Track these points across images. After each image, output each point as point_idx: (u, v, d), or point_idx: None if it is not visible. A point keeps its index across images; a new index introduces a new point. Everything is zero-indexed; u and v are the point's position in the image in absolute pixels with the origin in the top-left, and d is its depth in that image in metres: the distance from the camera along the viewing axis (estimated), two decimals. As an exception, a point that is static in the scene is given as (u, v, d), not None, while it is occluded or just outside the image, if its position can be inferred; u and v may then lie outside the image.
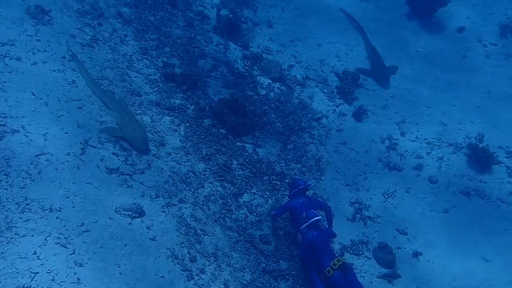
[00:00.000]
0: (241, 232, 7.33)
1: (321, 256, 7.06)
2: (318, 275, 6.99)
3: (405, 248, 8.12)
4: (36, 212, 5.73)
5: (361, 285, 6.88)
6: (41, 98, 7.08)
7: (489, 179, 9.47)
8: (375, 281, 7.59)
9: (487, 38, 12.77)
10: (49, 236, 5.59)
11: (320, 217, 7.25)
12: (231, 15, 11.11)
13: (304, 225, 7.18)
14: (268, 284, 6.82)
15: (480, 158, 9.58)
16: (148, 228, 6.38)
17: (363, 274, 7.63)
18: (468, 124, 10.54)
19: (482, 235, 8.48)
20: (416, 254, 8.04)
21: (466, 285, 7.65)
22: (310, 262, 7.13)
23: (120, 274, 5.70)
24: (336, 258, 7.00)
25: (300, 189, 7.73)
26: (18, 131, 6.46)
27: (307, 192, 7.99)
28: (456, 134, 10.26)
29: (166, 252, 6.28)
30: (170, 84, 8.78)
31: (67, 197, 6.06)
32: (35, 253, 5.38)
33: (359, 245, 8.02)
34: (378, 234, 8.27)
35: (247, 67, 10.35)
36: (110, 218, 6.18)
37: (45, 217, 5.73)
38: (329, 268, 6.91)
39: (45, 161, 6.32)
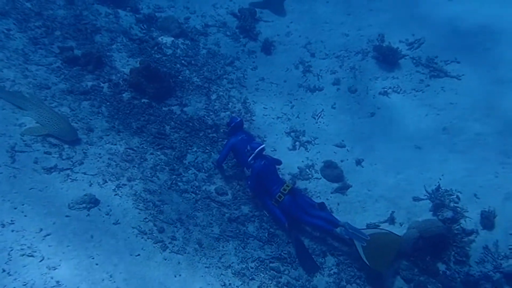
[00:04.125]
0: (197, 191, 7.37)
1: (270, 183, 7.40)
2: (271, 201, 7.37)
3: (347, 160, 8.60)
4: (-12, 232, 5.39)
5: (308, 202, 7.37)
6: None
7: (400, 73, 10.13)
8: (331, 197, 8.01)
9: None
10: (12, 250, 5.31)
11: (264, 145, 7.42)
12: (109, -19, 10.58)
13: (251, 157, 7.35)
14: (237, 231, 7.00)
15: (387, 56, 10.17)
16: (107, 214, 6.23)
17: (318, 194, 8.02)
18: (367, 28, 11.07)
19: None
20: (359, 162, 8.55)
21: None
22: (263, 191, 7.44)
23: (97, 264, 5.58)
24: (286, 184, 7.38)
25: (235, 126, 7.86)
26: None
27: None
28: (359, 41, 10.77)
29: (134, 231, 6.20)
30: (75, 68, 8.30)
31: (15, 208, 5.72)
32: (3, 270, 5.11)
33: (307, 170, 8.37)
34: (320, 154, 8.68)
35: (145, 31, 10.01)
36: (67, 216, 5.93)
37: (0, 234, 5.43)
38: (279, 193, 7.29)
39: (-22, 180, 5.87)
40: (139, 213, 6.47)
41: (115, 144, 7.32)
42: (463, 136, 8.73)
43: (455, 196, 7.61)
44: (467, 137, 8.69)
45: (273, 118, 9.10)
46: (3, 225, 5.52)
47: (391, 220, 7.52)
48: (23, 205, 5.82)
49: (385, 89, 9.65)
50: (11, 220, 5.59)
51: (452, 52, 10.26)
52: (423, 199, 7.76)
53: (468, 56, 10.16)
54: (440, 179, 7.96)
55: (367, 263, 6.63)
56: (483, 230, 7.28)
